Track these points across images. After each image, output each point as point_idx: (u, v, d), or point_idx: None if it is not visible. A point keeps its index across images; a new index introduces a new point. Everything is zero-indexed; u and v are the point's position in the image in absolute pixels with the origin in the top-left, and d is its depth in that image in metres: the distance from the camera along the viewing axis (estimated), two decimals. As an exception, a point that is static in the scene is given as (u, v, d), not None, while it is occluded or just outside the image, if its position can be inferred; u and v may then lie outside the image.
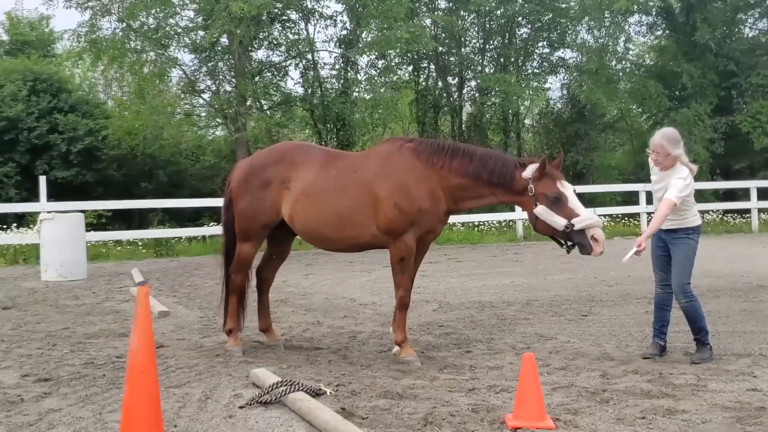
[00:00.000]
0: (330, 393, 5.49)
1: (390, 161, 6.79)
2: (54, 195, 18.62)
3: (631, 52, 31.56)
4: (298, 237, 7.52)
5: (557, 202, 6.38)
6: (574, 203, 6.40)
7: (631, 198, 24.39)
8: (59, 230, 13.76)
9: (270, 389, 5.32)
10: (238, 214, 7.19)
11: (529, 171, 6.52)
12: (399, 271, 6.78)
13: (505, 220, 21.90)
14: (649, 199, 21.56)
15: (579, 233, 6.31)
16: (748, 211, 22.91)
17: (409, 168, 6.70)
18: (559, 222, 6.34)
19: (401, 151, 6.83)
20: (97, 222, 20.97)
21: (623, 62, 29.83)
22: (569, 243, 6.47)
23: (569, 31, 28.62)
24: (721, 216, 23.79)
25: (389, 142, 7.16)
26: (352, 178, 6.82)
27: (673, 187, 6.42)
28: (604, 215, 23.23)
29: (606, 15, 27.40)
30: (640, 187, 22.40)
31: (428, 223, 6.73)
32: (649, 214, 21.83)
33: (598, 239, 6.28)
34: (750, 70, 27.88)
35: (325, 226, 6.84)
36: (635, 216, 22.92)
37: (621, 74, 29.31)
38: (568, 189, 6.45)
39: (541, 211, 6.41)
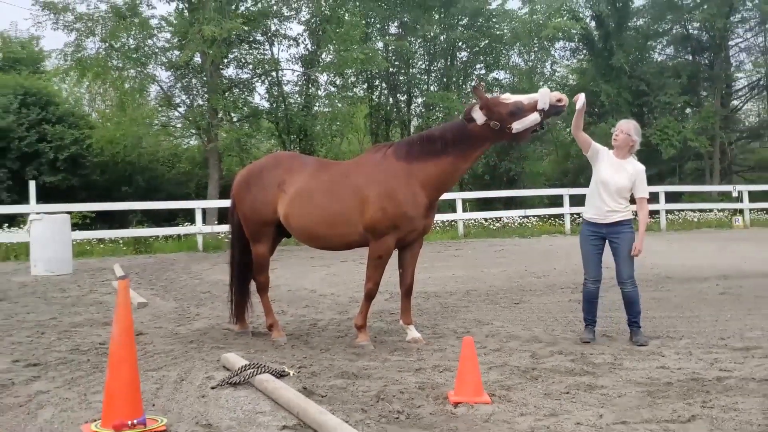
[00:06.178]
0: (293, 374, 5.45)
1: (379, 168, 6.59)
2: (42, 198, 18.25)
3: (556, 74, 32.25)
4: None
5: (519, 111, 6.22)
6: (527, 98, 6.29)
7: (556, 201, 24.82)
8: (47, 230, 13.50)
9: (239, 371, 5.26)
10: (242, 217, 7.08)
11: (479, 114, 6.34)
12: (373, 267, 6.63)
13: (447, 221, 22.07)
14: (572, 202, 21.98)
15: (549, 109, 6.22)
16: (657, 212, 23.33)
17: (396, 172, 6.50)
18: (533, 118, 6.20)
19: (387, 157, 6.65)
20: (81, 222, 20.55)
21: (549, 82, 30.16)
22: (547, 121, 6.46)
23: (503, 55, 28.96)
24: (633, 217, 24.12)
25: (375, 150, 6.96)
26: (345, 183, 6.67)
27: (642, 183, 6.60)
28: (533, 216, 23.66)
29: (535, 41, 27.82)
30: (564, 192, 23.09)
31: (410, 225, 6.54)
32: (572, 215, 22.21)
33: (559, 98, 6.22)
34: (659, 90, 28.58)
35: (318, 224, 6.69)
36: (560, 216, 23.29)
37: (547, 93, 29.63)
38: (512, 97, 6.33)
39: (518, 126, 6.21)
